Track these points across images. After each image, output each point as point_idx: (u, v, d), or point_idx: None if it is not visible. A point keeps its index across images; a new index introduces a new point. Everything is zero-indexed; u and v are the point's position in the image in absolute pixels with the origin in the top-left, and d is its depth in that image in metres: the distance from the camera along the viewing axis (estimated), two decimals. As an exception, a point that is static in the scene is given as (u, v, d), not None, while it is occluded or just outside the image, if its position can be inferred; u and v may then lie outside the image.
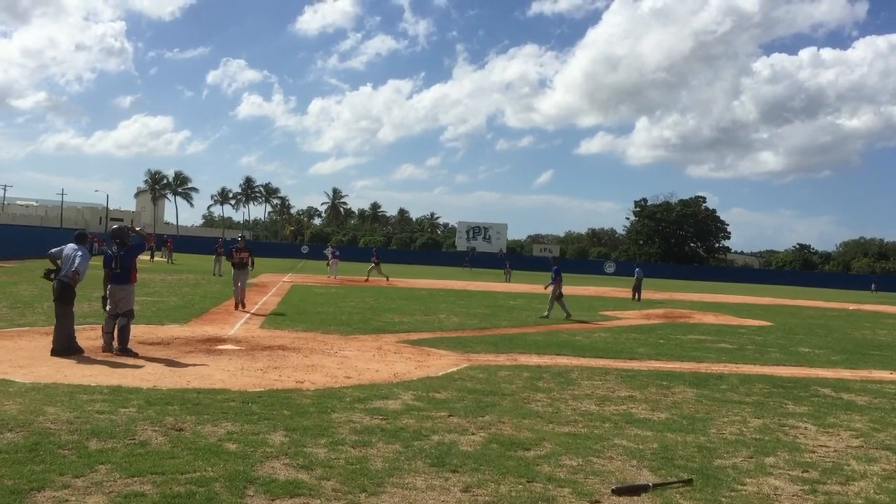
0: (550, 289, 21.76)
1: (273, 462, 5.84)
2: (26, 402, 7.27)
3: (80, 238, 11.08)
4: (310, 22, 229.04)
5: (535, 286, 41.99)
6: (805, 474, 6.39)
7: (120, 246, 11.07)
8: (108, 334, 10.73)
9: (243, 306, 18.53)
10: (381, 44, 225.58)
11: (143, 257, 49.12)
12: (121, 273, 10.95)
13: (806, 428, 8.23)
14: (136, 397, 7.76)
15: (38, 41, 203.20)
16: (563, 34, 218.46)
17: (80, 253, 10.69)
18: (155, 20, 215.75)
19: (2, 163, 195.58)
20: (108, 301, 10.90)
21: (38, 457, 5.60)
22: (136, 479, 5.25)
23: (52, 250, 11.01)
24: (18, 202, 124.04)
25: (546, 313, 20.95)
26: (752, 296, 45.40)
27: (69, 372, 9.08)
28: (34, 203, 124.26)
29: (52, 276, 10.82)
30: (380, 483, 5.49)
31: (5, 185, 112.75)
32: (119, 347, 10.58)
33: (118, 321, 10.72)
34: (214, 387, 8.60)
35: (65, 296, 10.71)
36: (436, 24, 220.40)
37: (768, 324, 23.32)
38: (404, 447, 6.49)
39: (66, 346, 10.44)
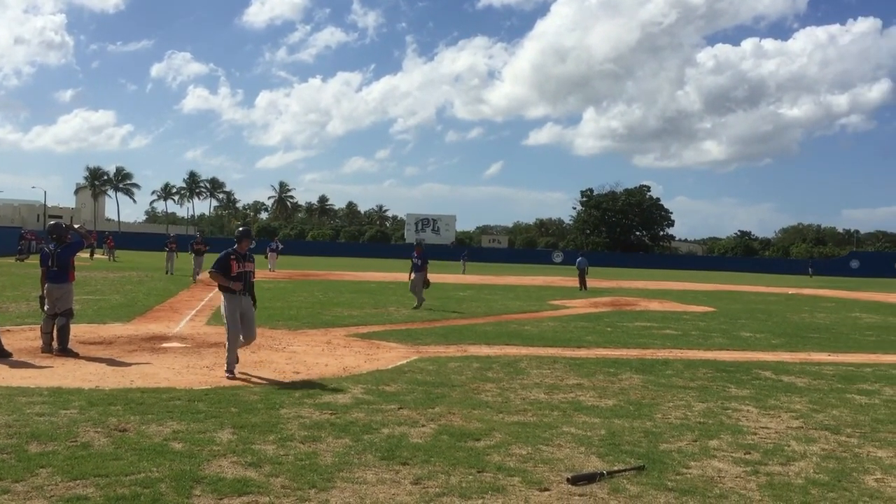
0: (414, 276, 20.45)
1: (220, 460, 5.76)
2: (-39, 407, 7.04)
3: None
4: (257, 14, 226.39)
5: (486, 277, 42.19)
6: (747, 456, 6.54)
7: (57, 243, 10.77)
8: (47, 335, 10.45)
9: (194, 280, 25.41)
10: (331, 36, 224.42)
11: (84, 255, 47.97)
12: (58, 271, 10.67)
13: (748, 411, 8.42)
14: (78, 398, 7.57)
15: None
16: (512, 26, 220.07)
17: None
18: (98, 13, 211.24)
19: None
20: (46, 300, 10.61)
21: (-26, 462, 5.43)
22: (78, 482, 5.12)
23: None
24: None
25: (417, 304, 20.00)
26: (696, 282, 46.32)
27: (6, 374, 8.82)
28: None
29: None
30: (329, 478, 5.45)
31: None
32: (59, 348, 10.32)
33: (57, 321, 10.44)
34: (159, 385, 8.44)
35: None
36: (385, 15, 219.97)
37: (711, 309, 23.82)
38: (354, 441, 6.46)
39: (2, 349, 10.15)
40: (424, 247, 21.84)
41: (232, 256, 9.71)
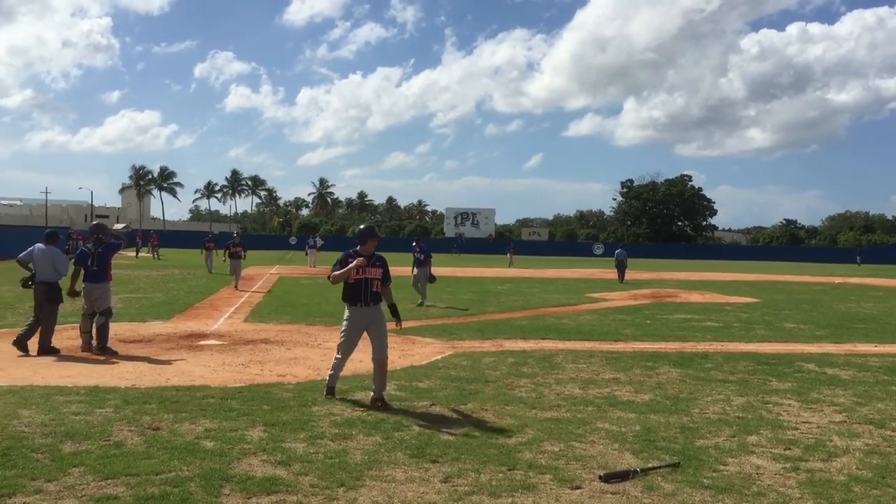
0: (416, 272, 20.09)
1: (250, 459, 5.77)
2: (1, 406, 7.16)
3: (50, 237, 10.95)
4: (298, 12, 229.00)
5: (525, 270, 41.99)
6: (787, 452, 6.37)
7: (97, 243, 10.92)
8: (86, 334, 10.62)
9: (236, 287, 22.99)
10: (370, 32, 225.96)
11: (129, 254, 48.83)
12: (97, 271, 10.81)
13: (789, 405, 8.21)
14: (114, 397, 7.66)
15: (24, 39, 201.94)
16: (551, 17, 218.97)
17: (54, 254, 10.65)
18: (143, 15, 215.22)
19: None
20: (84, 300, 10.76)
21: (10, 462, 5.49)
22: (109, 481, 5.16)
23: (21, 255, 10.87)
24: (2, 202, 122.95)
25: (421, 301, 19.39)
26: (740, 273, 45.55)
27: (46, 373, 8.97)
28: (18, 202, 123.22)
29: (31, 282, 10.72)
30: (358, 476, 5.42)
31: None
32: (98, 346, 10.47)
33: (97, 320, 10.60)
34: (194, 383, 8.51)
35: (52, 297, 10.65)
36: (424, 9, 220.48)
37: (754, 300, 23.38)
38: (384, 439, 6.43)
39: (49, 347, 10.38)
40: (423, 242, 21.64)
41: (350, 259, 8.03)
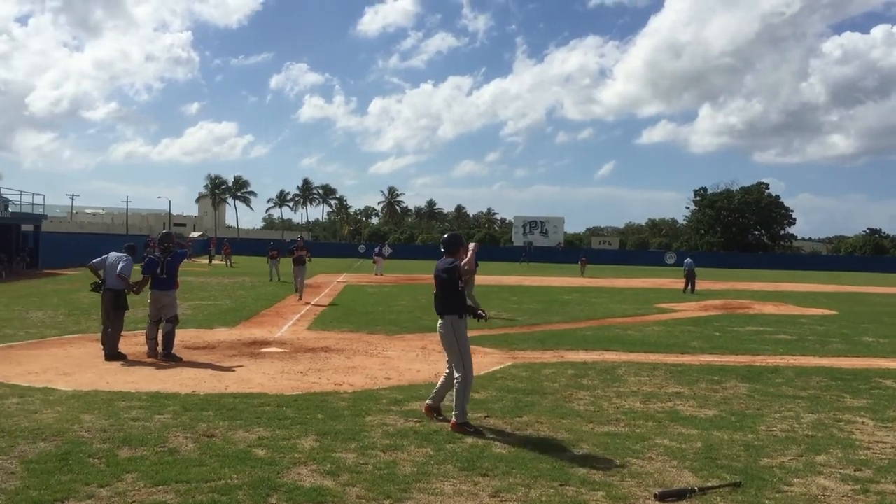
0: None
1: (300, 468, 5.76)
2: (64, 411, 7.34)
3: (129, 249, 11.28)
4: (371, 23, 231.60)
5: (593, 279, 41.44)
6: (858, 473, 6.05)
7: (164, 252, 11.17)
8: (152, 340, 10.86)
9: (300, 297, 21.94)
10: (442, 41, 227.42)
11: (202, 261, 50.15)
12: (166, 279, 11.06)
13: (863, 423, 7.82)
14: (173, 403, 7.79)
15: (109, 54, 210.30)
16: (625, 24, 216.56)
17: (123, 259, 10.96)
18: (222, 29, 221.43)
19: (73, 173, 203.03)
20: (151, 307, 11.02)
21: (66, 466, 5.61)
22: (160, 488, 5.22)
23: (94, 261, 11.25)
24: (86, 211, 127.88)
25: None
26: (818, 283, 44.01)
27: (112, 379, 9.19)
28: (101, 211, 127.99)
29: (101, 287, 11.05)
30: (406, 489, 5.35)
31: (73, 195, 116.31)
32: (163, 353, 10.69)
33: (163, 327, 10.83)
34: (252, 391, 8.59)
35: (118, 304, 10.97)
36: (495, 18, 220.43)
37: (832, 313, 22.51)
38: (436, 451, 6.35)
39: (116, 352, 10.68)
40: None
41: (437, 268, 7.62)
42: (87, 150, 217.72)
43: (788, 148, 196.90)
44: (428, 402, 7.66)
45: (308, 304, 20.75)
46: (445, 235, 7.86)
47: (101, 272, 11.08)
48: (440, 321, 7.50)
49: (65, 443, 6.24)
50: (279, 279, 30.53)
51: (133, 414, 7.29)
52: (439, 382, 7.65)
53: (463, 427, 7.02)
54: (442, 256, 7.68)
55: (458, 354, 7.37)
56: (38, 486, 5.16)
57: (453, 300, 7.47)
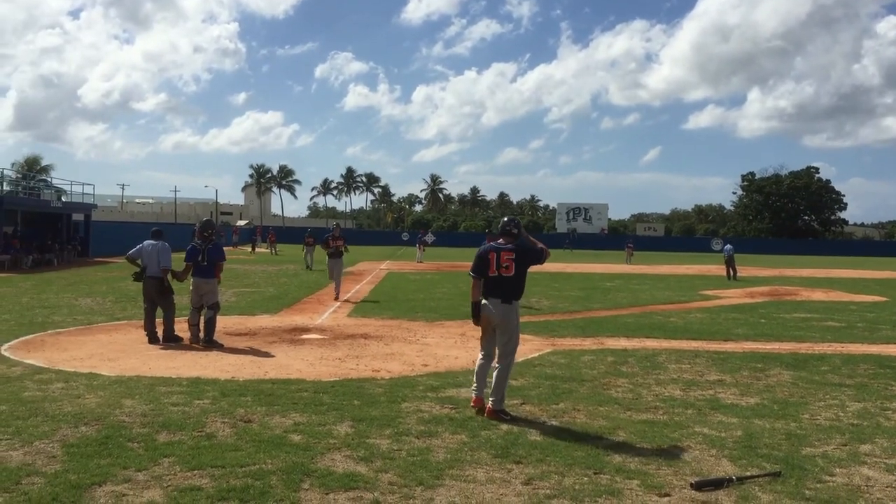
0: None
1: (334, 454, 5.78)
2: (106, 396, 7.48)
3: (157, 234, 11.46)
4: (415, 11, 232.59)
5: (637, 266, 40.99)
6: (904, 464, 5.87)
7: (205, 240, 11.30)
8: (194, 326, 11.02)
9: (336, 299, 18.12)
10: (486, 28, 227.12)
11: (246, 248, 50.81)
12: (207, 266, 11.19)
13: (912, 412, 7.60)
14: (213, 389, 7.89)
15: (158, 45, 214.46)
16: (672, 7, 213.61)
17: (161, 248, 11.15)
18: (269, 19, 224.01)
19: (123, 163, 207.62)
20: (193, 294, 11.18)
21: (106, 450, 5.71)
22: (195, 472, 5.28)
23: (130, 252, 11.48)
24: (136, 200, 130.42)
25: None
26: (870, 270, 42.93)
27: (154, 364, 9.34)
28: (150, 200, 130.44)
29: (142, 276, 11.26)
30: (438, 476, 5.34)
31: (123, 185, 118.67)
32: (205, 339, 10.85)
33: (205, 313, 10.99)
34: (290, 377, 8.66)
35: (163, 289, 11.22)
36: (540, 3, 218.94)
37: (883, 299, 21.94)
38: (470, 437, 6.32)
39: (172, 335, 11.09)
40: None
41: (492, 252, 7.37)
42: (137, 141, 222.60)
43: (840, 132, 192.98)
44: (489, 404, 7.11)
45: (344, 301, 17.98)
46: (511, 218, 7.67)
47: (139, 261, 11.29)
48: (504, 305, 7.22)
49: (105, 427, 6.36)
50: (311, 267, 30.45)
51: (173, 399, 7.40)
52: (484, 376, 7.34)
53: (500, 414, 6.98)
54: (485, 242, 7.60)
55: (515, 336, 7.29)
56: (77, 469, 5.26)
57: (523, 285, 7.39)
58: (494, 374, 7.19)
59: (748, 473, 5.51)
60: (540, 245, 7.54)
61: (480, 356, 7.45)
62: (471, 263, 7.48)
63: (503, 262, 7.23)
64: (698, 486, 5.21)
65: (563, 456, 5.85)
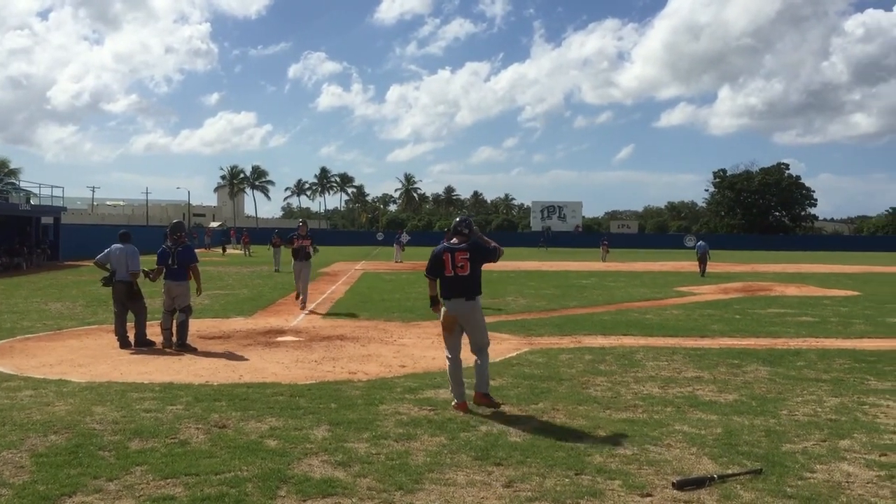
0: None
1: (311, 459, 5.67)
2: (77, 403, 7.31)
3: (124, 237, 11.27)
4: (388, 11, 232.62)
5: (612, 264, 41.16)
6: (883, 458, 5.87)
7: (176, 242, 11.12)
8: (166, 330, 10.84)
9: (303, 306, 16.19)
10: (459, 27, 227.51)
11: (217, 250, 50.40)
12: (178, 269, 11.01)
13: (888, 406, 7.63)
14: (186, 394, 7.74)
15: (129, 46, 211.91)
16: (644, 5, 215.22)
17: (129, 252, 10.99)
18: (241, 20, 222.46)
19: (94, 165, 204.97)
20: (165, 297, 11.01)
21: (76, 459, 5.55)
22: (169, 480, 5.14)
23: (99, 257, 11.35)
24: (107, 202, 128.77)
25: None
26: (841, 264, 43.50)
27: (126, 370, 9.16)
28: (121, 203, 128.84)
29: (111, 280, 11.08)
30: (418, 479, 5.25)
31: (94, 187, 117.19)
32: (178, 343, 10.67)
33: (177, 317, 10.81)
34: (266, 380, 8.53)
35: (132, 293, 11.05)
36: (512, 2, 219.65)
37: (855, 294, 22.19)
38: (449, 440, 6.24)
39: (145, 339, 10.92)
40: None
41: (446, 252, 7.53)
42: (108, 143, 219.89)
43: (809, 128, 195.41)
44: (475, 392, 7.36)
45: (309, 312, 15.78)
46: (463, 218, 7.86)
47: (108, 265, 11.12)
48: (469, 303, 7.41)
49: (76, 435, 6.20)
50: (279, 269, 29.77)
51: (145, 405, 7.24)
52: (461, 378, 7.40)
53: (489, 398, 7.26)
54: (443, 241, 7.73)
55: (484, 330, 7.56)
56: (46, 480, 5.10)
57: (480, 282, 7.58)
58: (475, 369, 7.37)
59: (729, 471, 5.48)
60: (493, 244, 7.68)
61: (449, 358, 7.49)
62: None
63: (458, 261, 7.40)
64: (680, 486, 5.17)
65: (544, 457, 5.78)
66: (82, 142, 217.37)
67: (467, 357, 7.52)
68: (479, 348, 7.46)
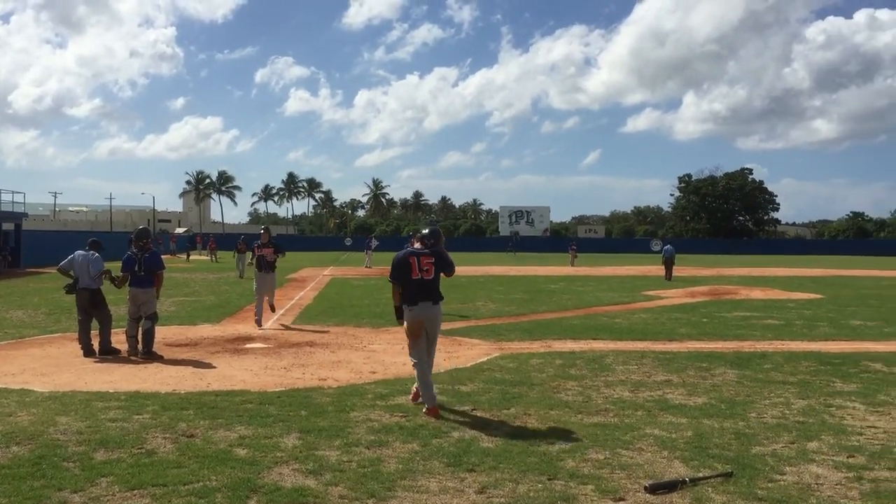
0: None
1: (282, 468, 5.59)
2: (40, 413, 7.14)
3: (93, 245, 11.07)
4: (356, 15, 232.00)
5: (580, 268, 41.39)
6: (851, 459, 5.94)
7: (141, 249, 10.94)
8: (132, 338, 10.66)
9: (258, 324, 14.16)
10: (428, 33, 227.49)
11: (182, 256, 49.84)
12: (144, 276, 10.85)
13: (854, 408, 7.73)
14: (153, 403, 7.60)
15: (93, 50, 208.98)
16: (610, 12, 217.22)
17: (91, 259, 10.80)
18: (207, 24, 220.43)
19: (56, 171, 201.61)
20: (130, 304, 10.82)
21: (39, 471, 5.42)
22: (135, 491, 5.04)
23: (62, 263, 11.14)
24: (70, 208, 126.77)
25: None
26: (804, 268, 44.20)
27: (90, 379, 8.98)
28: (84, 209, 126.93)
29: (75, 288, 10.88)
30: (390, 487, 5.20)
31: (56, 193, 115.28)
32: (144, 351, 10.50)
33: (142, 324, 10.64)
34: (234, 388, 8.41)
35: (95, 301, 10.86)
36: (480, 8, 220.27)
37: (818, 297, 22.53)
38: (422, 446, 6.20)
39: (110, 347, 10.72)
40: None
41: (412, 256, 7.64)
42: (71, 148, 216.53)
43: (772, 133, 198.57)
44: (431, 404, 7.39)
45: (266, 328, 13.93)
46: (434, 230, 8.04)
47: (71, 272, 10.92)
48: (435, 307, 7.66)
49: (39, 446, 6.05)
50: (243, 276, 28.76)
51: (111, 415, 7.10)
52: (426, 377, 7.52)
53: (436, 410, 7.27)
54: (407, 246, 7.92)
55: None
56: (8, 493, 4.97)
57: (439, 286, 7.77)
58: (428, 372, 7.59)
59: (701, 475, 5.51)
60: (450, 260, 7.90)
61: (415, 362, 7.61)
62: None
63: (423, 265, 7.58)
64: (652, 490, 5.18)
65: (517, 462, 5.77)
66: (44, 147, 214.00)
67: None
68: (433, 353, 7.77)
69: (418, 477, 5.42)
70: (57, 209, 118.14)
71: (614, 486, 5.27)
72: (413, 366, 7.69)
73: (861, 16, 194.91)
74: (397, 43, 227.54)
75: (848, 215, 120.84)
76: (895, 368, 9.96)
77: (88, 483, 5.20)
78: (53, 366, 9.85)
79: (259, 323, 14.23)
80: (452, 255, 8.27)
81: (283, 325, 14.56)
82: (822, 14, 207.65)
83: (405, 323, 7.71)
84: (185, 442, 6.23)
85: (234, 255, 32.84)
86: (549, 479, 5.39)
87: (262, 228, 15.57)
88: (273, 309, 15.49)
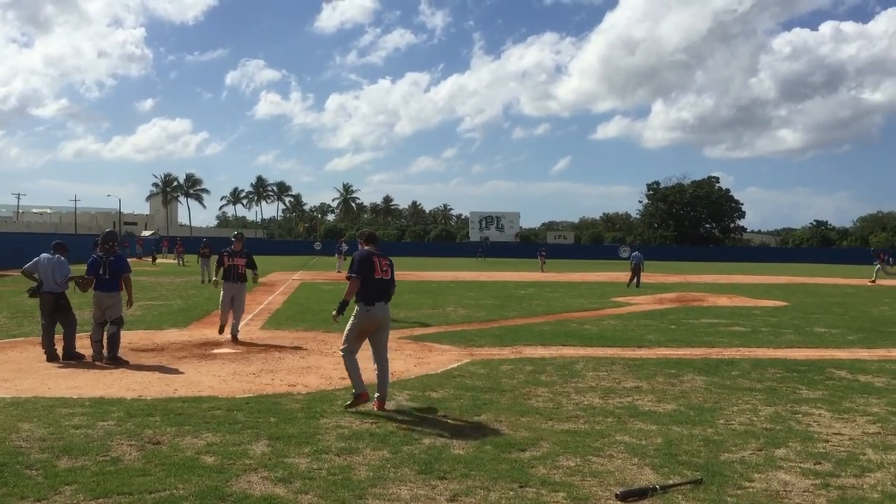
0: None
1: (251, 475, 5.51)
2: (1, 419, 6.97)
3: (58, 248, 10.87)
4: (328, 19, 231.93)
5: (549, 274, 41.54)
6: (818, 466, 6.01)
7: (107, 252, 10.77)
8: (97, 343, 10.47)
9: (234, 339, 12.72)
10: (400, 38, 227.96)
11: (148, 259, 49.22)
12: (109, 280, 10.66)
13: (820, 415, 7.83)
14: (118, 409, 7.46)
15: (60, 50, 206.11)
16: (581, 20, 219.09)
17: (56, 262, 10.64)
18: (177, 25, 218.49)
19: (20, 172, 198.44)
20: (95, 308, 10.64)
21: (1, 479, 5.28)
22: (100, 500, 4.94)
23: (26, 266, 10.93)
24: (33, 210, 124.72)
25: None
26: (769, 275, 44.81)
27: (54, 384, 8.80)
28: (48, 210, 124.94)
29: (38, 291, 10.68)
30: (361, 495, 5.15)
31: (19, 194, 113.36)
32: (109, 356, 10.32)
33: (108, 329, 10.46)
34: (202, 394, 8.30)
35: (60, 306, 10.68)
36: (453, 14, 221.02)
37: (784, 304, 22.84)
38: (392, 453, 6.15)
39: (74, 352, 10.55)
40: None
41: (374, 256, 7.88)
42: (36, 148, 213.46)
43: (738, 142, 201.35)
44: (378, 396, 7.79)
45: (241, 347, 12.12)
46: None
47: (36, 275, 10.71)
48: (387, 307, 7.97)
49: (0, 454, 5.89)
50: (209, 280, 26.87)
51: (75, 421, 6.95)
52: (379, 375, 7.88)
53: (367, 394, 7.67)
54: (359, 247, 8.13)
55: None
56: (-31, 502, 4.85)
57: None
58: (378, 372, 7.86)
59: (671, 482, 5.53)
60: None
61: (347, 354, 7.89)
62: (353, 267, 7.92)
63: (383, 266, 7.88)
64: (623, 497, 5.19)
65: (488, 470, 5.75)
66: (8, 147, 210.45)
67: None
68: (386, 351, 8.04)
69: (389, 485, 5.38)
70: (20, 211, 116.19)
71: (585, 494, 5.27)
72: (343, 356, 7.92)
73: (826, 28, 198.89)
74: (369, 47, 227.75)
75: (811, 224, 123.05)
76: (859, 376, 10.11)
77: (52, 491, 5.08)
78: (15, 371, 9.64)
79: (222, 330, 13.00)
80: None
81: (248, 337, 14.40)
82: (788, 26, 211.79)
83: (356, 322, 7.89)
84: (152, 449, 6.12)
85: (198, 261, 32.18)
86: (520, 487, 5.38)
87: (235, 236, 13.83)
88: (235, 338, 12.83)
